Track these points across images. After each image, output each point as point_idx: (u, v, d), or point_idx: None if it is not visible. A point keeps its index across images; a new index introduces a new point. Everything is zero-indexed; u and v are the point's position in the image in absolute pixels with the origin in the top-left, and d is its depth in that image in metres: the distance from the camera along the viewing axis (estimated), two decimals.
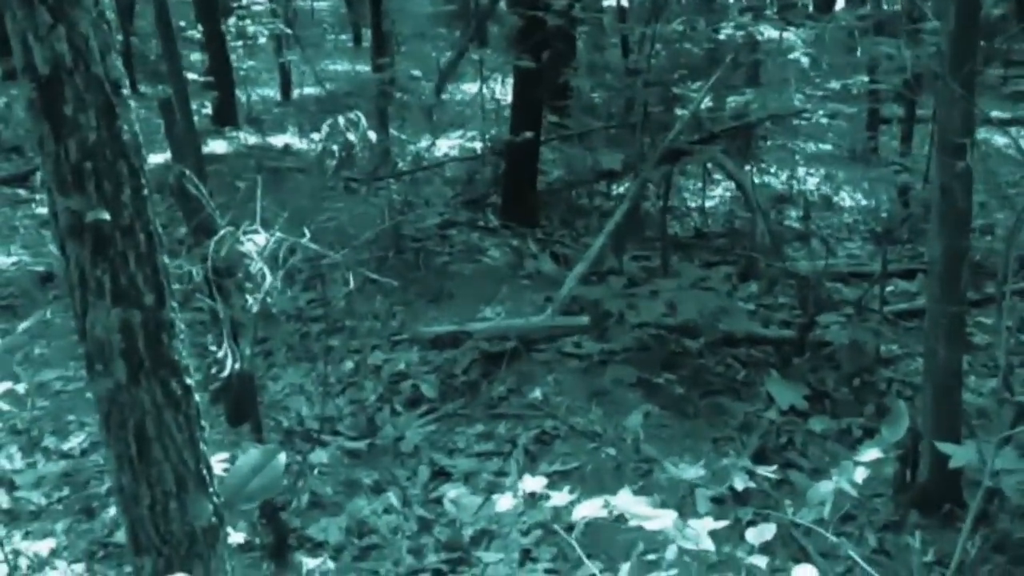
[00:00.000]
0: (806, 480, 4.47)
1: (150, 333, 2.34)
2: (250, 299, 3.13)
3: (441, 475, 4.64)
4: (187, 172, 3.15)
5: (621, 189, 8.30)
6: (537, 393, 5.15)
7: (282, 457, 2.51)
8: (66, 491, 4.54)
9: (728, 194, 8.68)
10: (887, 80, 8.22)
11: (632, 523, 1.97)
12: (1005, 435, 2.07)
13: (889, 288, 6.36)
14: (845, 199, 9.32)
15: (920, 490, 4.16)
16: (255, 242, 3.11)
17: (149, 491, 2.47)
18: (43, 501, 4.44)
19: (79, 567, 4.00)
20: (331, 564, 4.04)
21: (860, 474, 1.93)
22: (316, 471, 4.59)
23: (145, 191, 2.25)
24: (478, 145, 9.17)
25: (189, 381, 2.49)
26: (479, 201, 7.97)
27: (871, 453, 1.94)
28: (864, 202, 9.17)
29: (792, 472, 4.57)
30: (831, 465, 4.68)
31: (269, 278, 3.08)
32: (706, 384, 5.27)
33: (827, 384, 5.35)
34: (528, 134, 7.05)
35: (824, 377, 5.39)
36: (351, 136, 3.30)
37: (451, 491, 4.47)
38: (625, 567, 2.13)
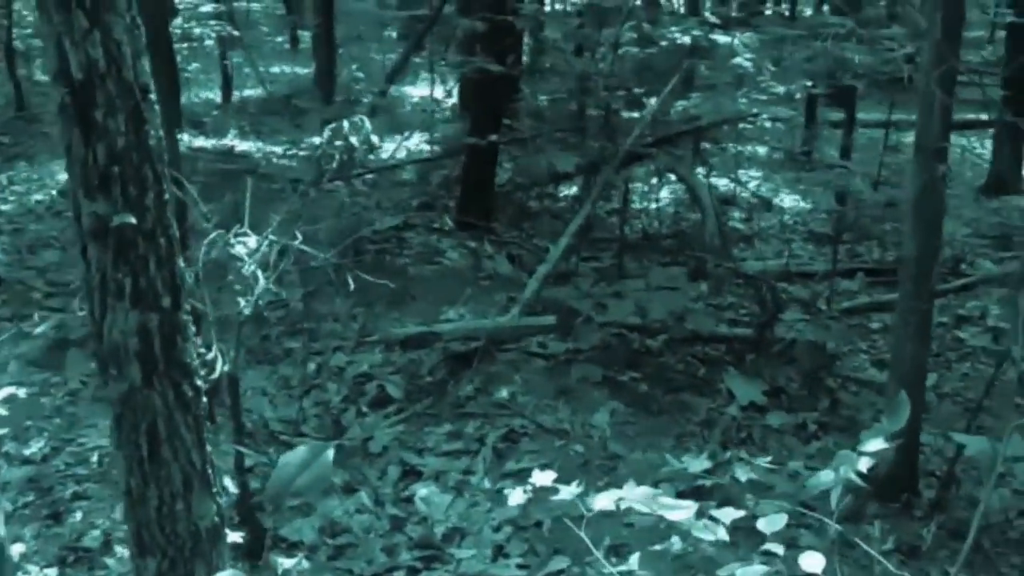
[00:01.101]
0: (765, 473, 4.62)
1: (165, 336, 2.37)
2: (242, 301, 3.15)
3: (411, 474, 4.68)
4: (177, 176, 3.16)
5: (571, 192, 8.42)
6: (504, 392, 5.23)
7: (330, 453, 2.55)
8: (31, 496, 4.49)
9: (675, 196, 8.86)
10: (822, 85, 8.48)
11: (659, 514, 2.06)
12: (1016, 424, 2.21)
13: None
14: (784, 201, 9.59)
15: (879, 481, 4.33)
16: (246, 244, 3.14)
17: (157, 492, 2.50)
18: (9, 506, 4.38)
19: (52, 572, 3.96)
20: (306, 564, 4.06)
21: (864, 464, 2.05)
22: None
23: (166, 195, 2.28)
24: (426, 147, 9.20)
25: (199, 383, 2.53)
26: (433, 204, 8.02)
27: (874, 443, 2.06)
28: (803, 204, 9.44)
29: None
30: (789, 458, 4.85)
31: (262, 281, 3.11)
32: (669, 381, 5.40)
33: (780, 380, 5.52)
34: (493, 137, 7.13)
35: (778, 373, 5.56)
36: (353, 140, 3.34)
37: (422, 490, 4.52)
38: (634, 558, 2.22)
